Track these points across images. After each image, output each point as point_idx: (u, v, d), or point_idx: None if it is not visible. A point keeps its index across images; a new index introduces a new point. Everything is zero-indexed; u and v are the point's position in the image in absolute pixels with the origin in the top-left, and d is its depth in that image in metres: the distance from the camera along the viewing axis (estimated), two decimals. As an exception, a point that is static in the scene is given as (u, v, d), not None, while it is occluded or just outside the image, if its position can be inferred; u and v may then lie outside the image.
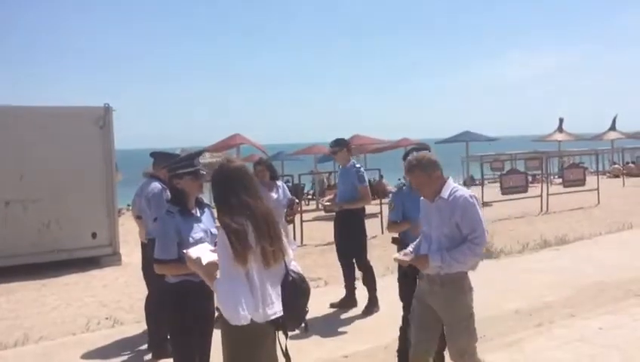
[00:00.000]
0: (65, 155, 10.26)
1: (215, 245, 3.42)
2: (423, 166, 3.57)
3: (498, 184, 16.64)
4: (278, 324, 2.82)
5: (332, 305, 6.57)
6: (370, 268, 6.54)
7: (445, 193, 3.53)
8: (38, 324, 6.73)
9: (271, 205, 3.04)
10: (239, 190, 2.84)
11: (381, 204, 13.44)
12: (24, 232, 9.94)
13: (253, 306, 2.72)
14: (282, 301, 2.81)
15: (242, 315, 2.67)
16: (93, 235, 10.49)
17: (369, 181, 22.06)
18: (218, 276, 2.80)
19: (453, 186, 3.58)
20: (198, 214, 3.59)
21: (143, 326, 5.69)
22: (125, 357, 5.37)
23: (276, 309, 2.81)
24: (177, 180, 3.53)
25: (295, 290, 2.83)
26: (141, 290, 6.02)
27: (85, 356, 5.40)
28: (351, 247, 6.53)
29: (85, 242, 10.35)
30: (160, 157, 5.08)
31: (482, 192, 15.10)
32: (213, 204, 3.18)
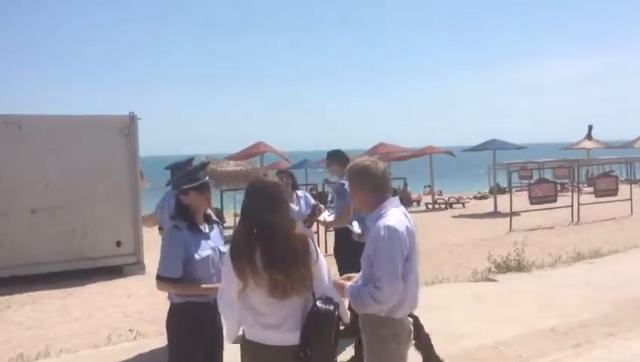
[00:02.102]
0: (90, 164, 10.31)
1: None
2: (350, 174, 3.06)
3: (526, 193, 16.30)
4: (301, 356, 2.63)
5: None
6: None
7: (374, 216, 2.93)
8: (62, 335, 6.69)
9: (303, 231, 2.84)
10: (265, 206, 2.69)
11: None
12: (50, 240, 9.99)
13: (248, 324, 2.69)
14: (303, 332, 2.63)
15: (229, 332, 2.75)
16: (118, 244, 10.50)
17: (394, 189, 21.86)
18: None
19: (386, 210, 2.91)
20: (207, 230, 3.41)
21: (165, 340, 5.56)
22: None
23: (291, 337, 2.65)
24: (183, 196, 3.35)
25: (315, 321, 2.62)
26: (164, 301, 5.90)
27: (106, 370, 5.30)
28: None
29: (110, 250, 10.35)
30: (176, 169, 4.95)
31: (511, 201, 14.74)
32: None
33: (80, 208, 10.24)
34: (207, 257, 3.27)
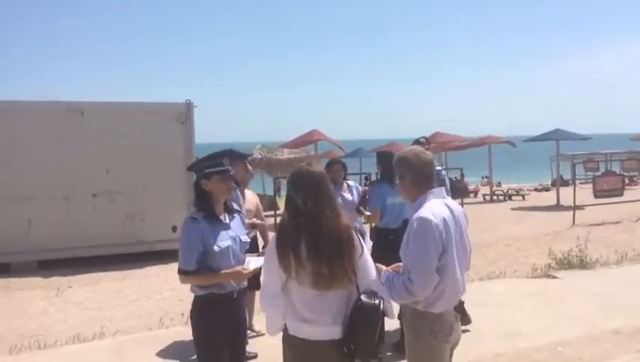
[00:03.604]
0: (148, 150, 10.57)
1: (245, 253, 3.26)
2: (393, 163, 2.99)
3: (591, 185, 15.58)
4: (345, 350, 2.55)
5: None
6: None
7: (414, 207, 2.86)
8: (117, 316, 6.87)
9: (349, 222, 2.73)
10: (309, 196, 2.60)
11: (462, 203, 12.87)
12: (109, 223, 10.34)
13: (290, 318, 2.63)
14: (346, 326, 2.56)
15: (270, 326, 2.71)
16: (174, 228, 10.69)
17: (450, 180, 21.39)
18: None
19: (424, 201, 2.83)
20: (227, 220, 3.34)
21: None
22: (194, 357, 5.30)
23: (334, 331, 2.58)
24: (205, 181, 3.27)
25: (359, 315, 2.54)
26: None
27: (158, 353, 5.38)
28: None
29: (166, 235, 10.57)
30: (231, 156, 4.93)
31: (574, 194, 14.11)
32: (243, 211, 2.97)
33: (138, 193, 10.56)
34: (227, 248, 3.21)
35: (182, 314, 6.63)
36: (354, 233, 2.63)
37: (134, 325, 6.44)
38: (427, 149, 5.67)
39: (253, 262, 3.22)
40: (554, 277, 7.90)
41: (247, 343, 4.64)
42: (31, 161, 9.96)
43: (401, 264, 2.95)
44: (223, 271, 3.16)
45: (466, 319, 5.16)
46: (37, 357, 5.43)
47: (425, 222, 2.71)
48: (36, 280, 9.10)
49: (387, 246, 5.46)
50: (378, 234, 5.66)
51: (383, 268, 2.94)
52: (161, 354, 5.39)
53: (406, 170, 2.91)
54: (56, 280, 9.03)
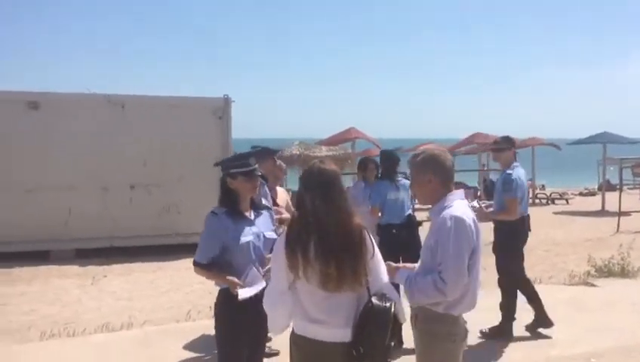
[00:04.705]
0: (185, 144, 10.69)
1: (271, 251, 3.22)
2: (415, 162, 2.89)
3: (639, 191, 14.98)
4: (354, 353, 2.48)
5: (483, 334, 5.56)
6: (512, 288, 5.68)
7: (439, 207, 2.81)
8: (147, 307, 6.98)
9: (363, 221, 2.65)
10: (318, 195, 2.53)
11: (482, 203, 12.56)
12: (146, 215, 10.51)
13: (298, 317, 2.57)
14: (356, 329, 2.49)
15: (274, 324, 2.66)
16: (208, 222, 10.83)
17: (491, 182, 20.85)
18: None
19: (451, 201, 2.79)
20: (252, 216, 3.34)
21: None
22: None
23: (342, 333, 2.51)
24: (231, 180, 3.29)
25: (369, 318, 2.47)
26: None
27: (184, 346, 5.42)
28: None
29: (200, 228, 10.56)
30: (259, 153, 4.92)
31: (620, 199, 13.59)
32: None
33: (174, 186, 10.69)
34: (248, 243, 3.20)
35: (210, 308, 6.67)
36: (366, 233, 2.56)
37: (163, 316, 6.53)
38: (502, 149, 5.53)
39: (242, 293, 3.08)
40: (592, 285, 7.61)
41: (269, 339, 4.63)
42: (72, 151, 10.22)
43: (410, 264, 2.90)
44: (226, 276, 3.15)
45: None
46: (65, 345, 5.55)
47: (460, 221, 2.68)
48: (73, 269, 9.34)
49: (391, 242, 5.44)
50: (381, 231, 5.63)
51: (398, 265, 2.90)
52: (187, 346, 5.44)
53: (439, 169, 2.83)
54: (93, 269, 9.25)
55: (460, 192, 2.87)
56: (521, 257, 5.67)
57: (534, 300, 5.59)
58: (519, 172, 5.56)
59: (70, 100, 10.53)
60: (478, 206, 5.93)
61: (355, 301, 2.55)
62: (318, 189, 2.55)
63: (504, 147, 5.65)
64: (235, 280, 3.10)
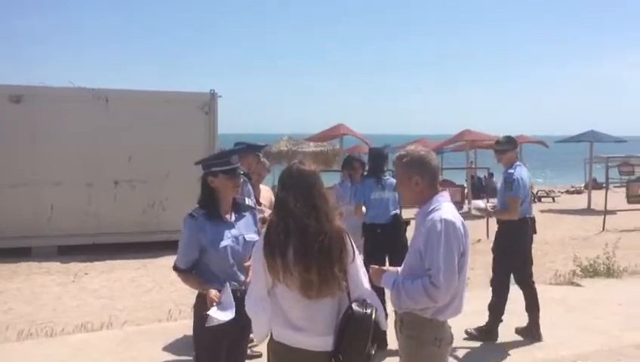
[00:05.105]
0: (171, 139, 10.50)
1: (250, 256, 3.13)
2: (401, 163, 2.80)
3: (624, 189, 15.04)
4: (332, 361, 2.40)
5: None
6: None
7: (426, 208, 2.73)
8: (129, 306, 6.86)
9: (343, 225, 2.57)
10: (297, 197, 2.45)
11: (488, 202, 12.54)
12: (130, 211, 10.38)
13: (277, 324, 2.49)
14: (337, 336, 2.42)
15: (257, 330, 2.58)
16: (193, 219, 10.71)
17: (479, 179, 20.77)
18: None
19: (439, 203, 2.72)
20: (232, 218, 3.22)
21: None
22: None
23: (322, 341, 2.44)
24: (212, 178, 3.17)
25: (350, 325, 2.39)
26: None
27: (164, 346, 5.31)
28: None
29: (185, 224, 10.55)
30: (242, 150, 4.81)
31: (605, 198, 13.63)
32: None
33: (159, 182, 10.53)
34: (226, 247, 3.09)
35: (192, 308, 6.60)
36: (346, 237, 2.48)
37: (144, 316, 6.42)
38: (505, 150, 5.47)
39: (215, 314, 2.90)
40: (578, 285, 7.60)
41: (251, 341, 4.53)
42: (55, 146, 10.03)
43: (394, 269, 2.83)
44: (204, 284, 3.07)
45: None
46: (42, 345, 5.42)
47: (450, 224, 2.62)
48: (55, 265, 9.18)
49: (376, 242, 5.39)
50: (366, 231, 5.57)
51: (384, 268, 2.83)
52: (167, 347, 5.33)
53: (425, 170, 2.76)
54: (75, 266, 9.11)
55: (446, 194, 2.81)
56: (521, 260, 5.56)
57: (532, 310, 5.51)
58: (521, 171, 5.52)
59: (54, 94, 10.30)
60: (484, 206, 5.90)
61: (335, 307, 2.48)
62: (298, 191, 2.47)
63: (507, 148, 5.62)
64: (212, 294, 2.95)
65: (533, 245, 5.69)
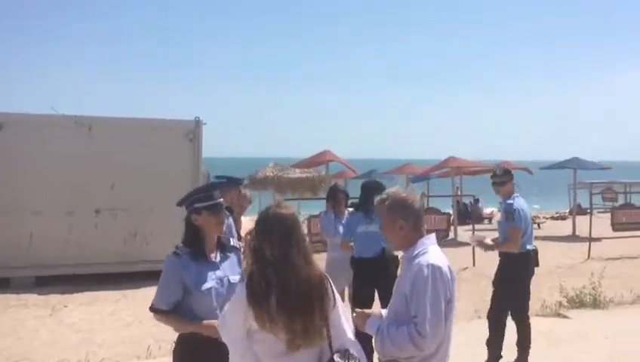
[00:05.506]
0: (155, 167, 10.42)
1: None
2: (383, 207, 2.74)
3: (609, 215, 15.13)
4: None
5: None
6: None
7: (411, 252, 2.66)
8: (108, 341, 6.68)
9: (321, 272, 2.50)
10: (275, 244, 2.37)
11: (473, 229, 12.53)
12: (112, 241, 10.16)
13: None
14: None
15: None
16: (177, 248, 10.54)
17: (464, 205, 20.75)
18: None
19: (425, 247, 2.65)
20: (217, 259, 3.07)
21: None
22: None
23: None
24: (195, 216, 3.04)
25: None
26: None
27: (142, 386, 5.16)
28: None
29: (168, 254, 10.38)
30: (223, 184, 4.72)
31: (590, 226, 13.69)
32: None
33: (142, 211, 10.36)
34: (210, 289, 2.94)
35: (172, 344, 6.42)
36: (327, 282, 2.40)
37: (123, 352, 6.24)
38: (504, 182, 5.45)
39: None
40: (565, 316, 7.54)
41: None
42: (35, 174, 9.88)
43: (378, 312, 2.76)
44: (199, 322, 2.91)
45: None
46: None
47: (437, 269, 2.56)
48: (33, 297, 8.95)
49: (364, 276, 5.32)
50: (354, 265, 5.53)
51: (368, 313, 2.75)
52: (145, 386, 5.18)
53: (409, 213, 2.70)
54: (53, 298, 8.88)
55: (433, 236, 2.75)
56: (521, 296, 5.55)
57: (523, 347, 5.47)
58: (520, 202, 5.53)
59: (35, 121, 10.18)
60: (485, 242, 5.80)
61: (316, 357, 2.38)
62: (276, 237, 2.39)
63: (505, 180, 5.64)
64: (215, 322, 2.79)
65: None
